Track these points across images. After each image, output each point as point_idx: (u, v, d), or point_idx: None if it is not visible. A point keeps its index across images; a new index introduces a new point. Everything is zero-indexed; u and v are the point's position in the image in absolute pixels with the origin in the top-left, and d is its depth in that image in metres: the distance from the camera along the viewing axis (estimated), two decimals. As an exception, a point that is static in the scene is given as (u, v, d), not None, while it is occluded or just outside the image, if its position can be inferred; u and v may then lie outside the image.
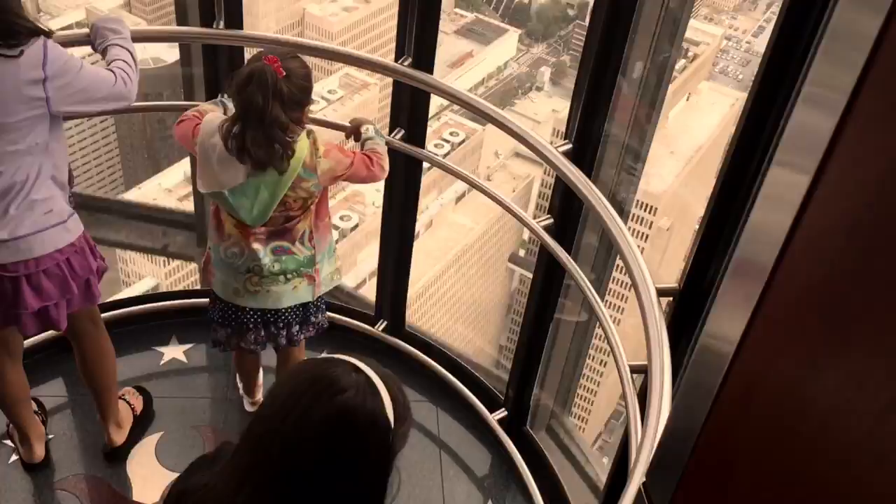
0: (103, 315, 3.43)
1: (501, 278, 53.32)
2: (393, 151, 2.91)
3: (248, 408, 3.24)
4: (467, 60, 60.37)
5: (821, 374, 0.78)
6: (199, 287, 3.73)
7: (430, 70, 2.76)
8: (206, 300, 3.53)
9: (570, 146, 2.60)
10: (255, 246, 2.50)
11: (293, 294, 2.62)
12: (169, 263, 39.12)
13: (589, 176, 2.54)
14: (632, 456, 2.02)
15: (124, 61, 2.35)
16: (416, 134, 2.93)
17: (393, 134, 2.91)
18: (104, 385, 2.87)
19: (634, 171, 2.85)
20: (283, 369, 3.03)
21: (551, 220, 2.76)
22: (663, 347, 1.95)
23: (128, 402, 3.11)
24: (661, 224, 32.94)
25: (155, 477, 3.03)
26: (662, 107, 2.60)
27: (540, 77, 64.43)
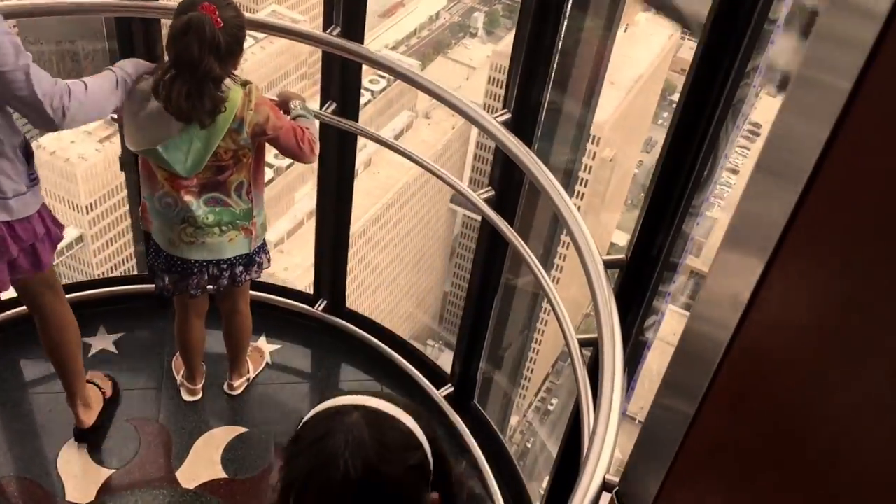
0: (2, 314, 3.24)
1: (444, 219, 52.76)
2: (325, 127, 2.79)
3: (187, 397, 3.11)
4: (398, 10, 59.58)
5: (834, 370, 0.71)
6: (127, 273, 3.55)
7: (360, 39, 2.64)
8: (136, 286, 3.41)
9: (508, 115, 2.52)
10: (188, 198, 2.46)
11: (230, 246, 2.59)
12: (92, 210, 37.74)
13: (530, 145, 2.47)
14: (585, 434, 1.98)
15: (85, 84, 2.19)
16: (349, 106, 2.81)
17: (325, 107, 2.78)
18: (67, 355, 2.75)
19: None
20: (228, 319, 2.94)
21: (492, 192, 2.68)
22: (614, 324, 1.90)
23: (97, 386, 3.00)
24: (605, 155, 33.06)
25: (88, 475, 2.89)
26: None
27: (474, 23, 63.97)
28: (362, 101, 2.94)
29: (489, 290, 2.98)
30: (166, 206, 2.49)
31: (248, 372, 3.19)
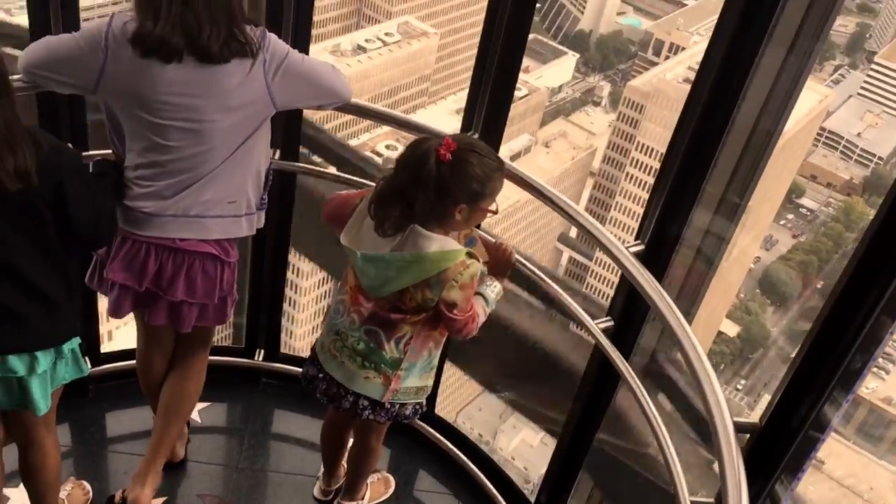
0: (102, 367, 3.21)
1: (549, 258, 50.43)
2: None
3: (318, 495, 2.96)
4: (523, 74, 60.89)
5: None
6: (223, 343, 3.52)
7: (496, 147, 2.59)
8: (231, 358, 3.36)
9: (641, 247, 2.40)
10: (353, 316, 2.36)
11: (363, 383, 2.42)
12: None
13: (660, 280, 2.32)
14: None
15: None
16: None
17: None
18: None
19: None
20: (355, 441, 2.79)
21: (611, 323, 2.54)
22: (741, 494, 1.71)
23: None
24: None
25: (150, 547, 2.79)
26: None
27: (598, 92, 63.88)
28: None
29: (591, 423, 2.80)
30: (337, 310, 2.41)
31: (363, 499, 2.97)
